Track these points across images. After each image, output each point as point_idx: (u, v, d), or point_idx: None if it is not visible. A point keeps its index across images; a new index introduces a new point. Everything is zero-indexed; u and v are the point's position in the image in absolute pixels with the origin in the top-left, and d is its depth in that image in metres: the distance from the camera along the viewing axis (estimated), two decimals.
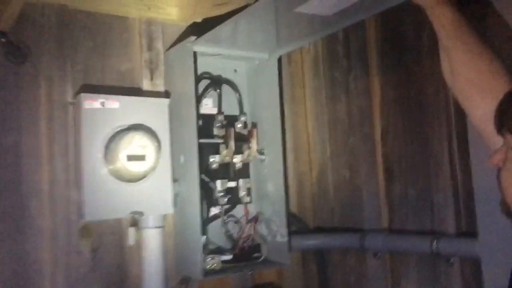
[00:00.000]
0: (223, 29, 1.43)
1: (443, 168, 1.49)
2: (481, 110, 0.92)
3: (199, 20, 1.63)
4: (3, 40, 1.32)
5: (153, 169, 1.46)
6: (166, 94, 1.66)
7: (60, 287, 1.41)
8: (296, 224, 1.89)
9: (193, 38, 1.51)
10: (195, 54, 1.52)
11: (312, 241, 1.77)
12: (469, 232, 1.42)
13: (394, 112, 1.69)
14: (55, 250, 1.42)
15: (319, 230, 1.95)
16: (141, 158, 1.43)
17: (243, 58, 1.78)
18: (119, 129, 1.43)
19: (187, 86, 1.53)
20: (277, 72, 1.69)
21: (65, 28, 1.49)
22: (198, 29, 1.62)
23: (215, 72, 1.75)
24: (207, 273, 1.50)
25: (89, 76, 1.53)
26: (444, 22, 0.95)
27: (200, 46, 1.58)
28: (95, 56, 1.55)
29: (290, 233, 1.71)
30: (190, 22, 1.67)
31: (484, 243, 1.25)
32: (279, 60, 1.71)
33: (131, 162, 1.41)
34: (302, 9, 1.32)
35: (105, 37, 1.57)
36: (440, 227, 1.50)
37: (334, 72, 1.91)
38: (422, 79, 1.57)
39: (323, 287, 1.90)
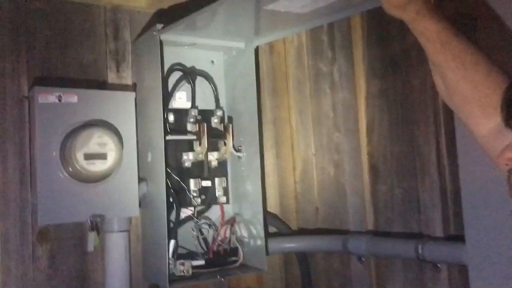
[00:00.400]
0: (197, 17, 1.31)
1: (430, 167, 1.37)
2: (485, 128, 0.83)
3: (165, 7, 1.50)
4: None
5: (115, 168, 1.35)
6: (134, 87, 1.54)
7: None
8: (277, 226, 1.77)
9: (159, 26, 1.39)
10: (161, 43, 1.40)
11: (292, 244, 1.66)
12: (458, 236, 1.31)
13: (380, 106, 1.57)
14: (7, 257, 1.31)
15: (302, 231, 1.84)
16: (100, 156, 1.31)
17: (220, 48, 1.65)
18: (76, 125, 1.31)
19: (154, 78, 1.41)
20: (253, 62, 1.57)
21: (20, 14, 1.37)
22: (167, 16, 1.50)
23: (190, 63, 1.63)
24: (174, 280, 1.39)
25: (48, 68, 1.42)
26: (429, 36, 0.83)
27: (169, 34, 1.46)
28: (54, 46, 1.43)
29: (268, 236, 1.61)
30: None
31: (472, 249, 1.14)
32: (256, 51, 1.59)
33: (89, 161, 1.29)
34: (273, 6, 1.21)
35: (65, 25, 1.45)
36: (427, 230, 1.39)
37: (319, 63, 1.78)
38: (408, 70, 1.46)
39: None
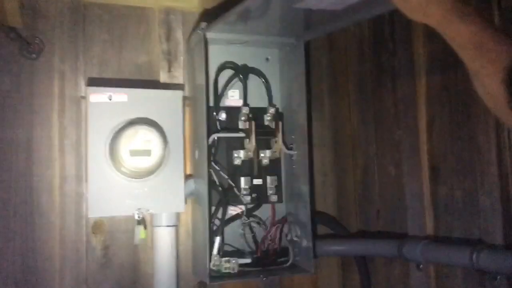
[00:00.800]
0: (232, 13, 1.30)
1: (490, 167, 1.23)
2: None
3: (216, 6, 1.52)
4: (12, 35, 1.33)
5: (159, 165, 1.39)
6: (184, 87, 1.58)
7: (68, 283, 1.40)
8: (332, 227, 1.70)
9: (203, 24, 1.41)
10: (206, 41, 1.42)
11: (342, 247, 1.58)
12: None
13: (441, 101, 1.44)
14: (64, 246, 1.41)
15: (362, 234, 1.75)
16: (145, 153, 1.36)
17: (274, 45, 1.63)
18: (124, 123, 1.37)
19: (200, 76, 1.43)
20: (303, 58, 1.52)
21: (79, 21, 1.47)
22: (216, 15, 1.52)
23: (244, 61, 1.63)
24: (217, 277, 1.40)
25: (105, 69, 1.50)
26: (460, 42, 0.72)
27: (219, 33, 1.48)
28: (110, 49, 1.51)
29: (319, 238, 1.55)
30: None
31: None
32: (306, 46, 1.54)
33: (135, 158, 1.35)
34: (304, 5, 1.16)
35: (121, 29, 1.53)
36: (487, 237, 1.24)
37: (381, 56, 1.68)
38: None
39: None
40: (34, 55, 1.42)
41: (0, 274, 1.34)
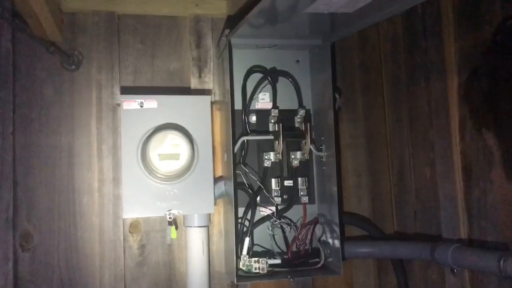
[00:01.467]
0: (251, 18, 1.32)
1: None
2: None
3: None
4: (51, 50, 1.44)
5: (188, 168, 1.44)
6: (215, 91, 1.62)
7: (108, 279, 1.49)
8: (367, 229, 1.68)
9: (227, 31, 1.44)
10: (230, 46, 1.45)
11: (371, 249, 1.56)
12: None
13: (472, 98, 1.38)
14: (103, 245, 1.50)
15: (398, 236, 1.71)
16: (174, 157, 1.42)
17: (304, 47, 1.64)
18: (154, 129, 1.44)
19: (226, 81, 1.47)
20: (329, 59, 1.52)
21: (114, 33, 1.56)
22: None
23: (275, 64, 1.65)
24: (244, 276, 1.43)
25: (138, 77, 1.58)
26: None
27: (243, 38, 1.51)
28: (144, 57, 1.59)
29: (349, 239, 1.54)
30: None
31: None
32: (333, 47, 1.53)
33: (164, 161, 1.41)
34: (310, 9, 1.17)
35: (154, 38, 1.60)
36: None
37: (414, 54, 1.64)
38: None
39: None
40: (73, 67, 1.52)
41: (47, 270, 1.46)
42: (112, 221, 1.51)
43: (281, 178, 1.58)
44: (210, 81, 1.62)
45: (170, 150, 1.42)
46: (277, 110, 1.59)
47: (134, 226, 1.54)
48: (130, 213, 1.43)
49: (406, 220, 1.69)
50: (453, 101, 1.45)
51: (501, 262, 1.12)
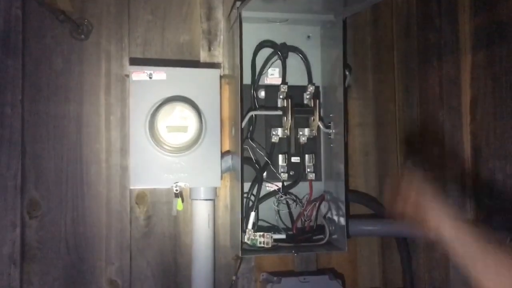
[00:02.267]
0: None
1: None
2: None
3: None
4: (61, 18, 1.43)
5: (196, 141, 1.44)
6: (223, 65, 1.61)
7: (113, 249, 1.51)
8: (373, 207, 1.68)
9: (238, 3, 1.42)
10: (241, 20, 1.43)
11: (376, 227, 1.56)
12: None
13: (485, 78, 1.36)
14: (109, 215, 1.51)
15: None
16: (182, 129, 1.41)
17: (316, 23, 1.62)
18: (163, 100, 1.43)
19: (235, 55, 1.46)
20: (341, 35, 1.50)
21: (124, 3, 1.54)
22: None
23: (286, 40, 1.63)
24: (249, 250, 1.44)
25: (148, 49, 1.57)
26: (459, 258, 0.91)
27: (254, 11, 1.50)
28: (154, 29, 1.58)
29: (353, 217, 1.54)
30: None
31: None
32: (344, 22, 1.51)
33: (171, 133, 1.41)
34: None
35: (164, 9, 1.59)
36: None
37: (428, 33, 1.62)
38: None
39: (408, 282, 1.66)
40: (83, 36, 1.52)
41: (53, 238, 1.47)
42: (119, 191, 1.52)
43: (288, 154, 1.58)
44: (219, 55, 1.61)
45: (178, 122, 1.41)
46: (286, 86, 1.57)
47: (141, 197, 1.55)
48: (137, 184, 1.44)
49: None
50: (465, 81, 1.43)
51: (507, 241, 1.12)
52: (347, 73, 1.62)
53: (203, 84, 1.48)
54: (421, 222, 1.00)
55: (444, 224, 0.95)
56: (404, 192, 1.06)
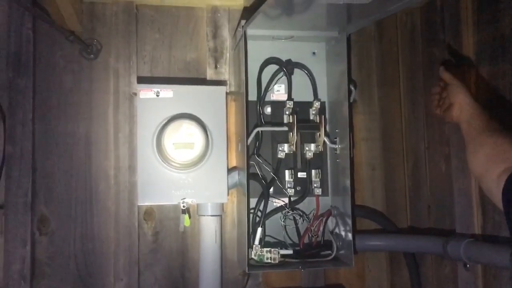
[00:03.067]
0: (266, 8, 1.32)
1: None
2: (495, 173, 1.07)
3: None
4: (71, 38, 1.46)
5: (202, 157, 1.46)
6: (231, 82, 1.64)
7: (122, 265, 1.52)
8: (380, 222, 1.68)
9: (243, 22, 1.45)
10: (245, 38, 1.45)
11: (382, 243, 1.55)
12: None
13: (490, 94, 1.36)
14: (118, 231, 1.53)
15: (412, 230, 1.71)
16: (188, 146, 1.43)
17: (321, 39, 1.64)
18: (169, 118, 1.46)
19: (241, 72, 1.48)
20: (346, 51, 1.51)
21: (132, 23, 1.58)
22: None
23: (291, 56, 1.65)
24: (254, 266, 1.45)
25: (155, 67, 1.60)
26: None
27: (259, 29, 1.52)
28: (161, 47, 1.61)
29: (360, 232, 1.54)
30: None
31: None
32: (348, 39, 1.53)
33: (178, 151, 1.43)
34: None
35: (171, 28, 1.62)
36: None
37: (432, 47, 1.62)
38: None
39: None
40: (92, 56, 1.55)
41: (63, 254, 1.49)
42: (128, 208, 1.54)
43: (294, 170, 1.59)
44: (226, 72, 1.64)
45: (184, 139, 1.43)
46: (292, 102, 1.59)
47: (149, 213, 1.56)
48: (145, 200, 1.46)
49: (419, 214, 1.68)
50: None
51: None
52: (352, 88, 1.64)
53: (210, 101, 1.50)
54: (449, 108, 1.28)
55: (465, 108, 1.23)
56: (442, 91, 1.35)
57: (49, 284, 1.48)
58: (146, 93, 1.47)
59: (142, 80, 1.56)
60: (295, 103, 1.59)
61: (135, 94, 1.54)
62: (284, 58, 1.64)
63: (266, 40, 1.62)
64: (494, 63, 1.34)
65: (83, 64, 1.55)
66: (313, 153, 1.59)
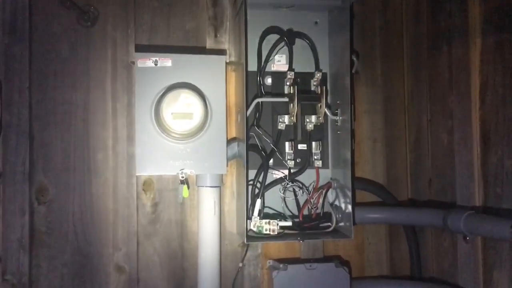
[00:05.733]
0: None
1: None
2: None
3: None
4: (67, 5, 1.43)
5: (201, 128, 1.44)
6: (228, 52, 1.61)
7: (120, 235, 1.52)
8: (380, 195, 1.67)
9: None
10: (245, 5, 1.42)
11: (386, 215, 1.55)
12: None
13: (495, 64, 1.33)
14: (116, 202, 1.52)
15: (412, 203, 1.70)
16: (187, 116, 1.41)
17: (323, 8, 1.60)
18: (168, 87, 1.43)
19: (240, 41, 1.45)
20: (349, 21, 1.47)
21: None
22: None
23: (292, 26, 1.62)
24: (252, 237, 1.44)
25: (154, 36, 1.57)
26: None
27: None
28: (160, 16, 1.57)
29: (360, 205, 1.54)
30: None
31: None
32: (351, 7, 1.49)
33: (177, 120, 1.41)
34: None
35: None
36: None
37: (438, 17, 1.59)
38: None
39: (416, 270, 1.65)
40: (89, 23, 1.52)
41: (62, 224, 1.49)
42: (126, 178, 1.53)
43: (295, 142, 1.57)
44: (225, 41, 1.60)
45: (183, 109, 1.41)
46: (293, 73, 1.55)
47: (148, 184, 1.55)
48: (143, 170, 1.44)
49: (420, 187, 1.67)
50: (475, 66, 1.40)
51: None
52: (354, 59, 1.61)
53: (209, 71, 1.48)
54: None
55: None
56: None
57: (48, 253, 1.48)
58: (145, 62, 1.44)
59: (140, 48, 1.53)
60: (296, 74, 1.56)
61: (133, 63, 1.51)
62: (285, 28, 1.60)
63: (267, 9, 1.58)
64: (500, 32, 1.31)
65: (80, 32, 1.52)
66: (314, 125, 1.57)
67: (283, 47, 1.60)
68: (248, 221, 1.44)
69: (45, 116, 1.48)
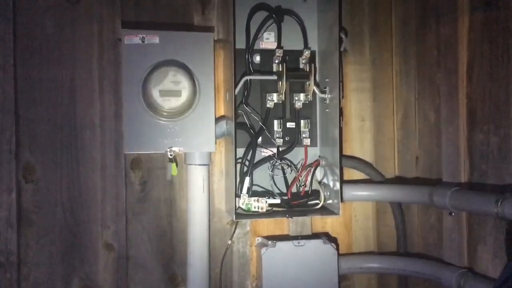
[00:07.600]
0: None
1: None
2: None
3: None
4: None
5: (189, 105, 1.43)
6: (216, 29, 1.59)
7: (109, 213, 1.52)
8: (367, 173, 1.68)
9: None
10: None
11: (373, 193, 1.57)
12: None
13: (482, 40, 1.34)
14: (104, 180, 1.52)
15: (399, 180, 1.72)
16: (175, 94, 1.40)
17: None
18: (155, 64, 1.42)
19: (228, 19, 1.44)
20: None
21: None
22: None
23: (280, 2, 1.60)
24: (240, 215, 1.45)
25: (141, 12, 1.55)
26: None
27: None
28: None
29: (348, 182, 1.55)
30: None
31: None
32: None
33: (164, 98, 1.40)
34: None
35: None
36: None
37: None
38: None
39: (402, 246, 1.68)
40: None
41: (49, 202, 1.48)
42: (114, 156, 1.52)
43: (283, 120, 1.58)
44: (213, 18, 1.59)
45: (171, 86, 1.40)
46: (281, 50, 1.55)
47: (136, 162, 1.55)
48: (131, 149, 1.44)
49: (407, 165, 1.69)
50: (462, 43, 1.41)
51: (498, 203, 1.12)
52: (343, 36, 1.60)
53: (197, 48, 1.46)
54: None
55: None
56: None
57: (36, 231, 1.47)
58: (131, 38, 1.43)
59: (127, 25, 1.51)
60: (285, 52, 1.56)
61: (120, 39, 1.49)
62: (274, 5, 1.59)
63: None
64: (488, 9, 1.31)
65: (65, 8, 1.49)
66: (302, 103, 1.57)
67: (271, 24, 1.59)
68: (237, 198, 1.45)
69: (30, 94, 1.46)
